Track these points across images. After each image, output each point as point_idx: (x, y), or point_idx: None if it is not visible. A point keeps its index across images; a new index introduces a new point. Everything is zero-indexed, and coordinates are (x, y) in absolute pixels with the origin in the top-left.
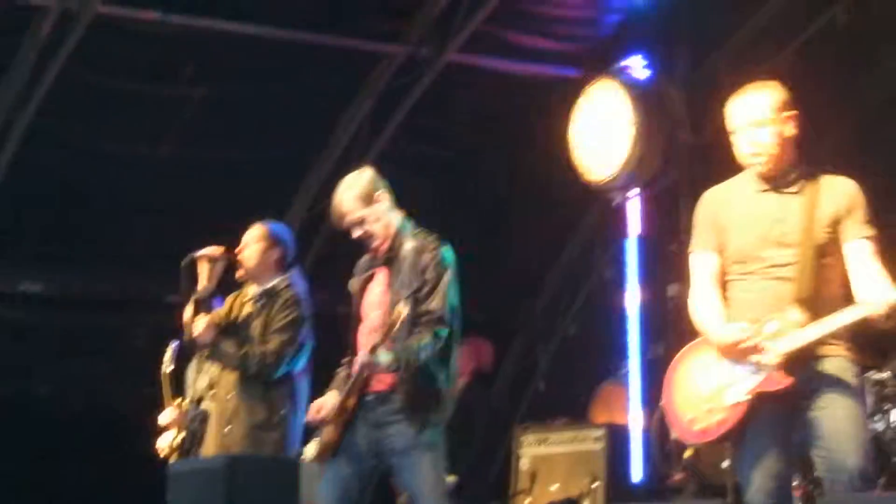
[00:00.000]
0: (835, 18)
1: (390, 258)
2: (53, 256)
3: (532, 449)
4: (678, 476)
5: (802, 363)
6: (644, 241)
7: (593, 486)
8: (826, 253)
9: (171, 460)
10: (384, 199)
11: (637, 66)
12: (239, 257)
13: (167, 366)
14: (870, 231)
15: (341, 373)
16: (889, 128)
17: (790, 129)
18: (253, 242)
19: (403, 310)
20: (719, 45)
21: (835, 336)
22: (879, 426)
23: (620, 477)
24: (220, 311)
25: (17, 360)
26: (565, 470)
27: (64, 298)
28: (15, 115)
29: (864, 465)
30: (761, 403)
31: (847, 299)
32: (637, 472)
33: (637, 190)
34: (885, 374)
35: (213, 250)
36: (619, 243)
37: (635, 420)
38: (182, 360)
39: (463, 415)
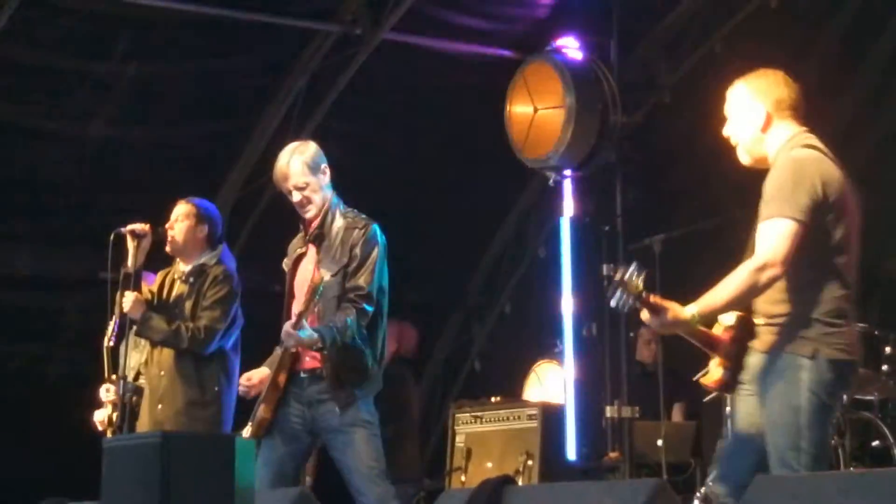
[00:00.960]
0: (768, 2)
1: (320, 235)
2: None
3: (467, 427)
4: (612, 454)
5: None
6: (578, 221)
7: (528, 463)
8: None
9: (108, 433)
10: (327, 173)
11: (570, 47)
12: (167, 234)
13: (108, 340)
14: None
15: (277, 350)
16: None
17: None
18: (181, 219)
19: (325, 275)
20: (651, 27)
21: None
22: None
23: (555, 455)
24: (150, 287)
25: None
26: (500, 447)
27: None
28: None
29: (790, 457)
30: None
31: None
32: (571, 451)
33: (571, 170)
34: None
35: (139, 226)
36: (554, 223)
37: (569, 398)
38: (121, 335)
39: (390, 395)
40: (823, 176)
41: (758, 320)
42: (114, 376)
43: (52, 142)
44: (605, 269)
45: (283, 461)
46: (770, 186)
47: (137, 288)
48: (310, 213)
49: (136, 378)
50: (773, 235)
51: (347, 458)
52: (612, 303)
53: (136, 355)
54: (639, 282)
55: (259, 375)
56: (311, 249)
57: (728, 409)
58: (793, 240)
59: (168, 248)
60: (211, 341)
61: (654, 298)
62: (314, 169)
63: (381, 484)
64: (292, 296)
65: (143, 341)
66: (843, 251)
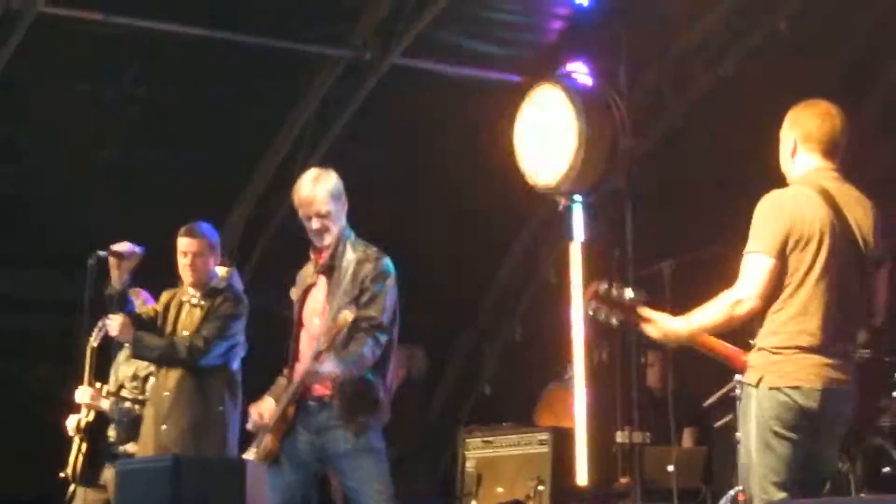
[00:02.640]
0: (777, 27)
1: (331, 266)
2: None
3: (478, 452)
4: (623, 480)
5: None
6: (588, 245)
7: (539, 488)
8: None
9: (76, 440)
10: (346, 204)
11: (580, 72)
12: (179, 264)
13: (94, 340)
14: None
15: (281, 380)
16: None
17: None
18: (199, 255)
19: (349, 315)
20: (661, 52)
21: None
22: None
23: (566, 480)
24: (147, 308)
25: None
26: (511, 472)
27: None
28: None
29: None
30: None
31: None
32: (582, 476)
33: (581, 196)
34: None
35: (124, 247)
36: (564, 248)
37: (580, 424)
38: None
39: (394, 415)
40: (794, 212)
41: None
42: (97, 383)
43: (61, 165)
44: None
45: (291, 487)
46: (753, 221)
47: (121, 310)
48: (326, 241)
49: (119, 391)
50: (749, 270)
51: (356, 483)
52: (595, 315)
53: (124, 368)
54: (622, 293)
55: (268, 410)
56: (322, 280)
57: (738, 434)
58: (767, 275)
59: (188, 282)
60: (209, 351)
61: (642, 310)
62: (336, 198)
63: None
64: (301, 325)
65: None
66: (804, 284)
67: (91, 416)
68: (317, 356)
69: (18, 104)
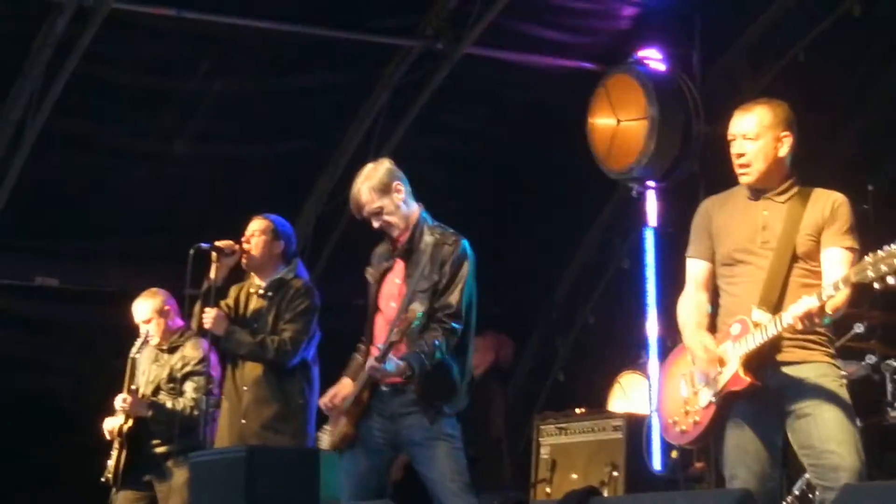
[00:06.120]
0: (850, 10)
1: (409, 250)
2: (70, 251)
3: (552, 438)
4: (698, 465)
5: (774, 367)
6: (661, 231)
7: (613, 474)
8: (805, 259)
9: (115, 445)
10: (402, 189)
11: (653, 58)
12: (243, 248)
13: (135, 351)
14: (849, 242)
15: (356, 359)
16: None
17: (783, 150)
18: (257, 235)
19: (418, 309)
20: (735, 37)
21: (813, 342)
22: None
23: (640, 466)
24: (227, 301)
25: (33, 354)
26: (585, 459)
27: (80, 293)
28: (31, 112)
29: (859, 467)
30: (732, 403)
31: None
32: (657, 461)
33: (654, 181)
34: None
35: (226, 243)
36: (638, 234)
37: (654, 409)
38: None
39: (479, 407)
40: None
41: None
42: (132, 387)
43: (137, 160)
44: None
45: (365, 474)
46: (848, 217)
47: (216, 304)
48: (395, 233)
49: (156, 393)
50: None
51: (431, 472)
52: None
53: (155, 370)
54: None
55: (343, 392)
56: (399, 264)
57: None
58: None
59: (244, 264)
60: (296, 353)
61: None
62: (384, 191)
63: (464, 497)
64: (377, 308)
65: (165, 356)
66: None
67: (129, 423)
68: (383, 354)
69: (92, 100)
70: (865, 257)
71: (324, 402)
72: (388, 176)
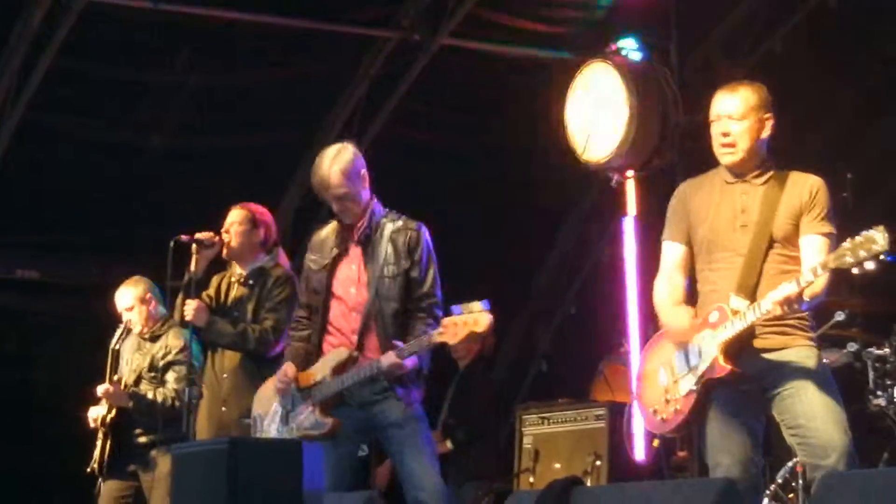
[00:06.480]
0: (826, 0)
1: (367, 236)
2: (48, 244)
3: (535, 428)
4: (681, 454)
5: (754, 355)
6: (640, 220)
7: (596, 463)
8: (783, 244)
9: (99, 435)
10: (366, 177)
11: (630, 48)
12: (223, 238)
13: (115, 342)
14: (827, 228)
15: (296, 347)
16: (888, 106)
17: (765, 132)
18: (237, 224)
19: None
20: (711, 26)
21: (792, 327)
22: (882, 402)
23: (623, 455)
24: (208, 292)
25: (15, 346)
26: (568, 448)
27: (61, 286)
28: (8, 105)
29: (847, 443)
30: (713, 391)
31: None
32: (640, 451)
33: (633, 171)
34: (886, 351)
35: (206, 235)
36: (617, 223)
37: (634, 399)
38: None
39: (467, 396)
40: None
41: None
42: (115, 377)
43: (115, 153)
44: None
45: (341, 461)
46: (827, 202)
47: (198, 295)
48: (350, 218)
49: (138, 382)
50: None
51: (407, 452)
52: None
53: (137, 358)
54: None
55: (291, 374)
56: (355, 250)
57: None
58: None
59: (224, 253)
60: (278, 342)
61: None
62: (353, 177)
63: (436, 477)
64: (331, 295)
65: (147, 344)
66: None
67: (113, 413)
68: (400, 353)
69: (69, 93)
70: (844, 243)
71: (280, 386)
72: (357, 162)
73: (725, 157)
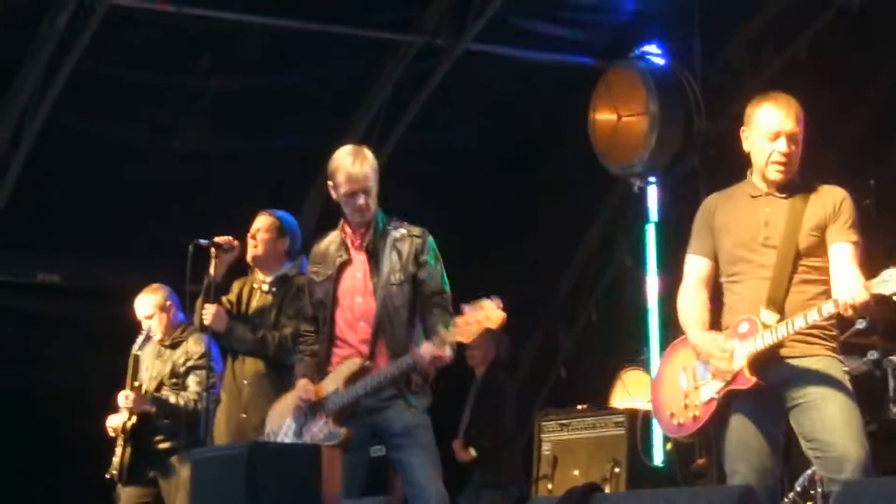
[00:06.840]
0: (850, 3)
1: (373, 242)
2: (71, 248)
3: (554, 435)
4: (700, 461)
5: (776, 362)
6: (663, 227)
7: (615, 470)
8: (810, 256)
9: (119, 442)
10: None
11: (653, 53)
12: (248, 244)
13: (137, 348)
14: (853, 236)
15: (306, 361)
16: None
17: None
18: (263, 231)
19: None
20: (734, 32)
21: (816, 336)
22: None
23: (642, 462)
24: (229, 297)
25: (35, 350)
26: (587, 455)
27: (82, 290)
28: (31, 108)
29: (864, 457)
30: (734, 400)
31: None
32: (658, 457)
33: (655, 177)
34: None
35: (225, 239)
36: (639, 230)
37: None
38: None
39: (488, 403)
40: None
41: None
42: (135, 383)
43: (137, 156)
44: None
45: (353, 469)
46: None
47: (217, 299)
48: (367, 217)
49: (159, 389)
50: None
51: (414, 457)
52: None
53: (158, 365)
54: None
55: (308, 391)
56: (360, 258)
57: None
58: None
59: (249, 259)
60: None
61: None
62: (376, 178)
63: (439, 484)
64: (336, 303)
65: (167, 351)
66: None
67: (134, 420)
68: (440, 341)
69: (93, 96)
70: (884, 271)
71: (304, 398)
72: (377, 165)
73: (778, 174)
